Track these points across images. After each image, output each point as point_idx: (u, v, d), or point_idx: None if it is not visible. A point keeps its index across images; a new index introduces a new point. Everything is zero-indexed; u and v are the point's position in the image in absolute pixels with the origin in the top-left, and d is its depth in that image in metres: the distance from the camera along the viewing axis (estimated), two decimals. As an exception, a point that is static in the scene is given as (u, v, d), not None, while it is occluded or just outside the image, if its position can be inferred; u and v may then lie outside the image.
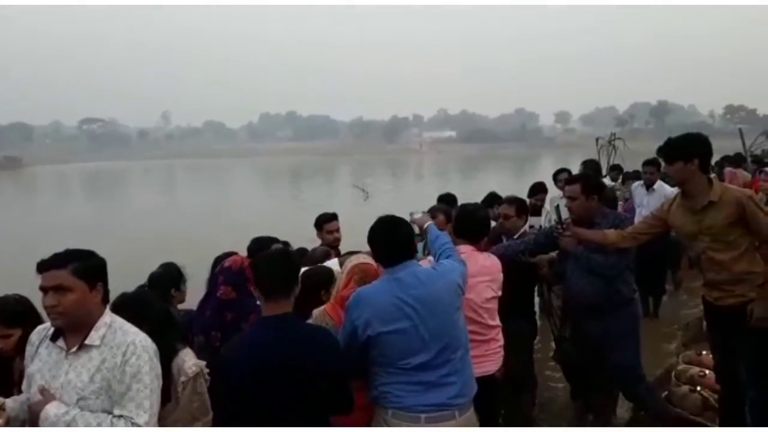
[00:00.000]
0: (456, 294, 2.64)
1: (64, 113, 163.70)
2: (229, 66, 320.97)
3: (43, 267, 2.19)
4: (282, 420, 2.30)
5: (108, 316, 2.29)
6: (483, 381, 2.96)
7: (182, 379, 2.54)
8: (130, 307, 2.52)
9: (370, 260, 3.05)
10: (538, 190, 6.16)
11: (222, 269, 2.99)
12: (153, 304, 2.74)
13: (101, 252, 2.36)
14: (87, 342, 2.21)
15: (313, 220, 4.95)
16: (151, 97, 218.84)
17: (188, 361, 2.60)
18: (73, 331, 2.23)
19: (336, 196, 29.22)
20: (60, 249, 2.28)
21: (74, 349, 2.21)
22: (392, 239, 2.65)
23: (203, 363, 2.63)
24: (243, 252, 3.63)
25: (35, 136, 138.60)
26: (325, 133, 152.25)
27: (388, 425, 2.59)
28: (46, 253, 2.23)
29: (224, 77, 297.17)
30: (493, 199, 5.48)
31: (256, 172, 59.45)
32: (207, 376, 2.62)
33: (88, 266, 2.22)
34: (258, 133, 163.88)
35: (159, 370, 2.33)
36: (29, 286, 2.62)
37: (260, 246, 3.62)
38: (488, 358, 3.23)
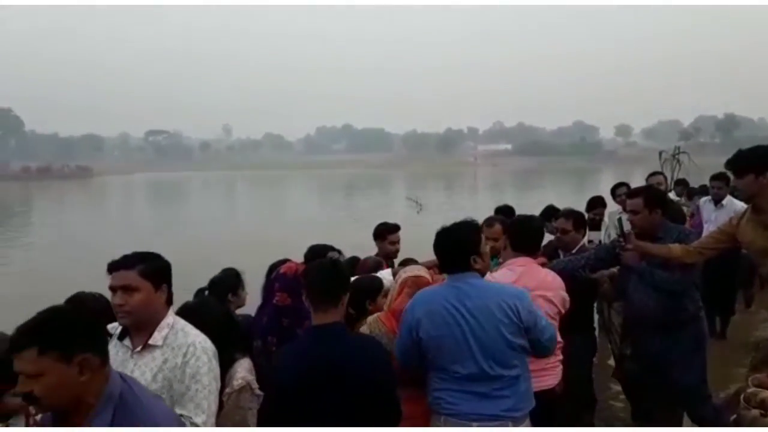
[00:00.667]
0: (510, 313, 2.55)
1: (131, 125, 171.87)
2: (289, 79, 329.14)
3: (113, 267, 2.32)
4: (327, 424, 2.31)
5: (171, 317, 2.39)
6: (542, 395, 2.91)
7: (227, 390, 2.58)
8: (192, 316, 2.58)
9: (423, 272, 3.05)
10: (597, 204, 6.00)
11: (278, 276, 3.06)
12: (213, 312, 2.80)
13: (165, 257, 2.45)
14: (150, 342, 2.31)
15: (366, 231, 4.98)
16: (213, 110, 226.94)
17: (239, 372, 2.65)
18: (138, 330, 2.34)
19: (390, 207, 29.33)
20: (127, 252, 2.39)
21: (139, 349, 2.31)
22: (454, 247, 2.67)
23: (252, 378, 2.66)
24: (298, 259, 3.69)
25: (105, 146, 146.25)
26: (380, 145, 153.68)
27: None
28: (115, 257, 2.34)
29: (283, 91, 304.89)
30: (551, 212, 5.37)
31: (312, 183, 60.48)
32: (257, 391, 2.65)
33: (154, 268, 2.33)
34: (314, 146, 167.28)
35: (218, 371, 2.40)
36: (99, 290, 2.75)
37: (316, 254, 3.64)
38: (548, 372, 3.15)
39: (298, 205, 36.10)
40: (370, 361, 2.37)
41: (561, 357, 3.25)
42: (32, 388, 1.68)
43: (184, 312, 2.66)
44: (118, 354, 2.34)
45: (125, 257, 2.34)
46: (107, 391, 1.78)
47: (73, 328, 1.74)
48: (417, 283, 2.91)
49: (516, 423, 2.57)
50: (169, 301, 2.41)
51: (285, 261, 3.64)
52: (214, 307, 2.90)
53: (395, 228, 4.85)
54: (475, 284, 2.62)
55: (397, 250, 4.81)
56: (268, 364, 2.78)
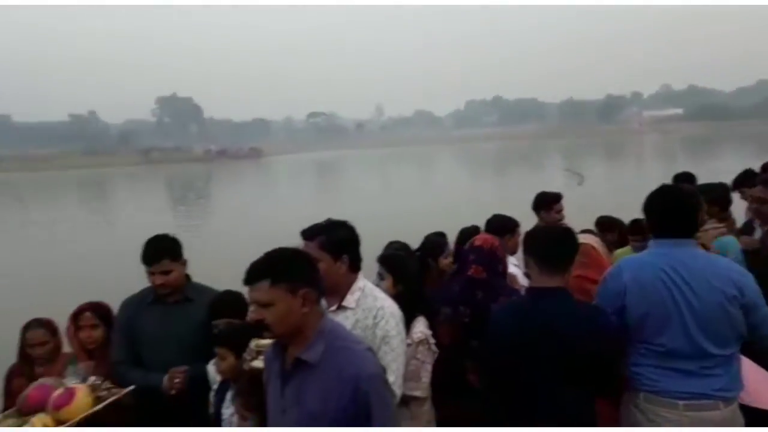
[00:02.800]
0: (735, 290, 2.31)
1: (294, 108, 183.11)
2: (436, 55, 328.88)
3: (302, 236, 2.55)
4: (539, 389, 2.34)
5: (361, 281, 2.60)
6: None
7: (407, 341, 2.70)
8: (396, 263, 3.03)
9: (590, 239, 3.11)
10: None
11: (473, 248, 3.06)
12: (413, 263, 3.23)
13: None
14: (344, 304, 2.53)
15: (518, 205, 4.95)
16: (366, 91, 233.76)
17: (418, 327, 2.80)
18: (328, 293, 2.49)
19: (545, 180, 28.20)
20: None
21: (333, 308, 2.52)
22: (670, 209, 2.46)
23: (429, 333, 2.81)
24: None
25: (272, 129, 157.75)
26: (533, 116, 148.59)
27: (638, 410, 2.44)
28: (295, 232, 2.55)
29: (432, 67, 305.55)
30: (748, 176, 4.74)
31: (462, 158, 60.08)
32: (433, 347, 2.79)
33: (333, 240, 2.50)
34: (464, 120, 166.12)
35: (404, 335, 2.56)
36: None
37: (502, 223, 3.88)
38: None
39: (449, 180, 36.03)
40: (589, 330, 2.30)
41: None
42: (264, 315, 1.88)
43: (388, 260, 3.05)
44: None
45: (310, 228, 2.54)
46: (321, 327, 1.94)
47: (298, 264, 1.93)
48: (582, 251, 2.80)
49: (727, 403, 2.35)
50: (354, 267, 2.57)
51: (473, 228, 3.84)
52: (413, 260, 3.33)
53: (557, 197, 4.79)
54: (694, 254, 2.41)
55: (562, 219, 4.64)
56: (459, 332, 2.91)
